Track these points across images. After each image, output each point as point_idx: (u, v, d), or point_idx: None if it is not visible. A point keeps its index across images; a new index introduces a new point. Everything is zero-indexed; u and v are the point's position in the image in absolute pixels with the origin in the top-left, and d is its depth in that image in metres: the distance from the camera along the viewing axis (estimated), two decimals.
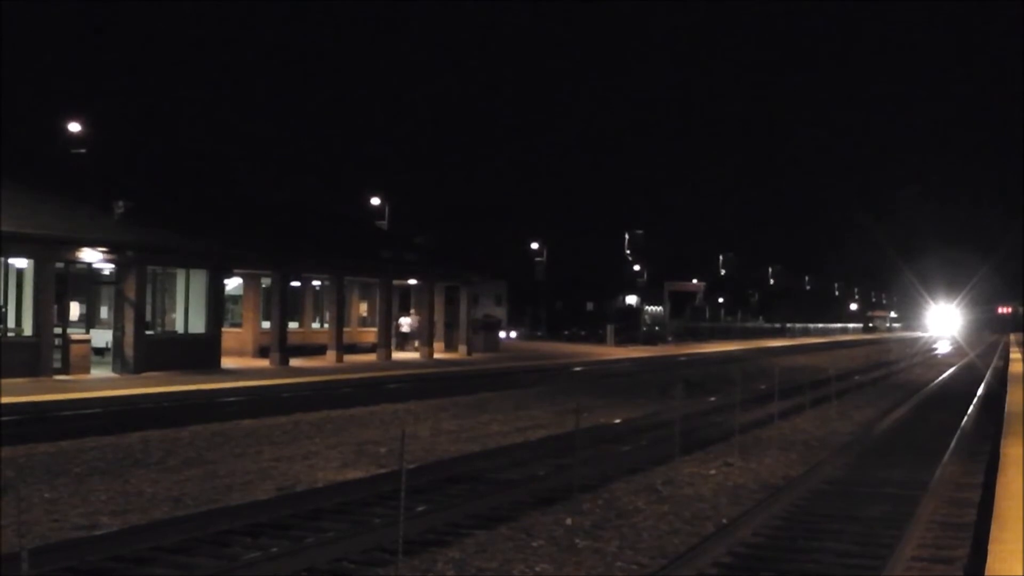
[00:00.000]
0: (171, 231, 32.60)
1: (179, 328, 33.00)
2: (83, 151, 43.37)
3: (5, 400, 20.63)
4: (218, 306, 34.14)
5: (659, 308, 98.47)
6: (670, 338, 79.50)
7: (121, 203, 30.59)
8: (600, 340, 69.01)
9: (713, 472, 15.29)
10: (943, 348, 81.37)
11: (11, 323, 28.22)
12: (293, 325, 40.80)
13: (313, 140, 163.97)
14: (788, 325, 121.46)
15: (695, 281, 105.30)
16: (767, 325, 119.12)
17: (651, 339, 74.32)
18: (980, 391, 30.46)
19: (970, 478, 14.82)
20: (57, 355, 28.05)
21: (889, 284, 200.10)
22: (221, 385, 26.87)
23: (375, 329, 42.65)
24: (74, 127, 43.75)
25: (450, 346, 47.11)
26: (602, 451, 16.77)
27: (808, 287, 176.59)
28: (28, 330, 27.93)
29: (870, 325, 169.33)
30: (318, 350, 39.88)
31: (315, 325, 44.07)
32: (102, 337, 31.27)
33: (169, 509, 11.88)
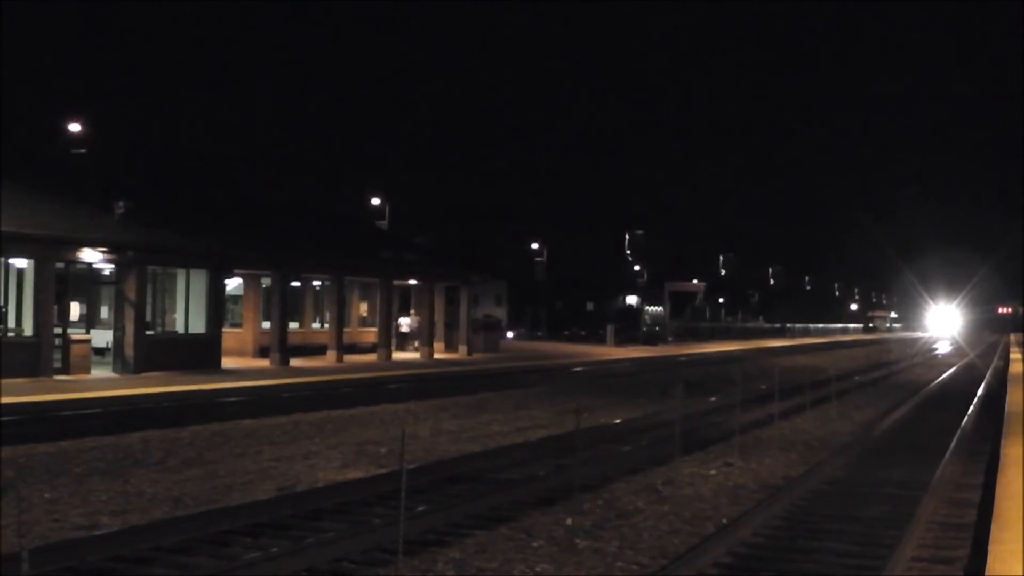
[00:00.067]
0: (171, 231, 32.61)
1: (179, 328, 32.99)
2: (83, 151, 43.41)
3: (5, 400, 20.63)
4: (218, 306, 34.13)
5: (659, 308, 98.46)
6: (670, 338, 79.50)
7: (121, 203, 30.59)
8: (600, 340, 69.01)
9: (713, 472, 15.29)
10: (943, 348, 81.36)
11: (11, 323, 28.22)
12: (293, 325, 40.79)
13: (313, 140, 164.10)
14: (788, 325, 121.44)
15: (695, 281, 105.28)
16: (767, 325, 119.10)
17: (651, 339, 74.31)
18: (980, 391, 30.46)
19: (970, 478, 14.82)
20: (57, 355, 28.05)
21: (889, 284, 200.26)
22: (221, 385, 26.87)
23: (375, 329, 42.64)
24: (74, 127, 43.81)
25: (450, 346, 47.11)
26: (602, 451, 16.77)
27: (808, 287, 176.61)
28: (28, 330, 27.93)
29: (870, 325, 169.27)
30: (318, 350, 39.88)
31: (315, 325, 44.07)
32: (102, 337, 31.27)
33: (169, 509, 11.88)
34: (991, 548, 8.98)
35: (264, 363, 35.61)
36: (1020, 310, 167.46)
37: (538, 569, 9.63)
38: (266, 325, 38.93)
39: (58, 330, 28.59)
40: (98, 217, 30.33)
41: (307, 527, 10.91)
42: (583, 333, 76.84)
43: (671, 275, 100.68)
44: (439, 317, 47.26)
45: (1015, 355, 56.14)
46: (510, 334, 61.10)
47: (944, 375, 42.63)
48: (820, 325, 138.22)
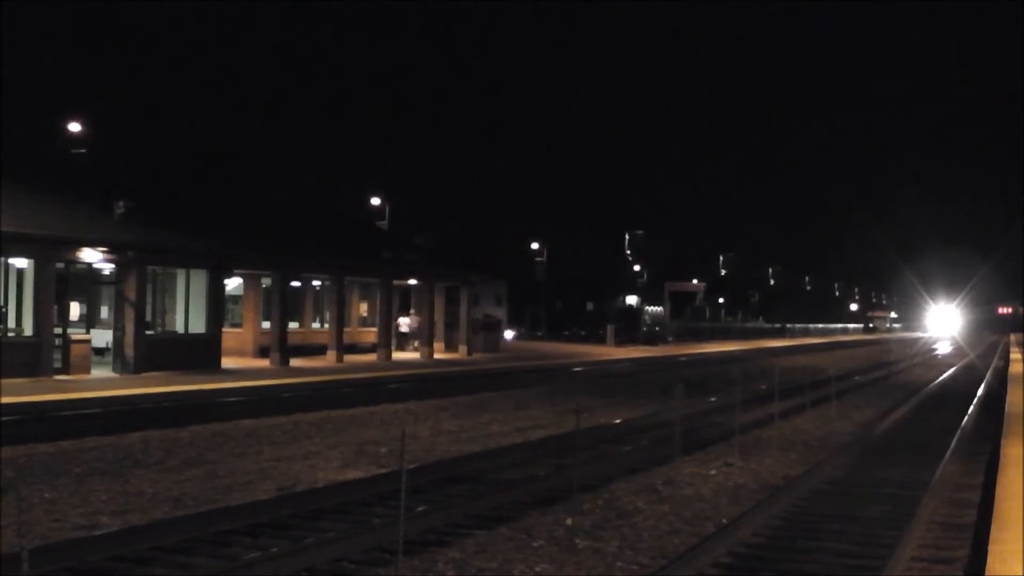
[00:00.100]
0: (171, 231, 32.61)
1: (179, 328, 32.99)
2: (83, 151, 43.38)
3: (5, 400, 20.63)
4: (218, 306, 34.13)
5: (659, 308, 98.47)
6: (670, 338, 79.49)
7: (121, 203, 30.60)
8: (600, 340, 69.00)
9: (713, 472, 15.29)
10: (943, 348, 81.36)
11: (11, 323, 28.22)
12: (293, 325, 40.80)
13: (313, 140, 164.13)
14: (788, 325, 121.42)
15: (695, 281, 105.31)
16: (767, 325, 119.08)
17: (651, 339, 74.31)
18: (980, 391, 30.45)
19: (970, 478, 14.82)
20: (57, 355, 28.05)
21: (889, 284, 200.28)
22: (221, 385, 26.87)
23: (375, 329, 42.65)
24: (74, 127, 43.78)
25: (450, 346, 47.11)
26: (602, 451, 16.77)
27: (808, 287, 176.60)
28: (28, 330, 27.93)
29: (870, 325, 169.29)
30: (318, 350, 39.88)
31: (315, 325, 44.07)
32: (102, 337, 31.27)
33: (169, 509, 11.88)
34: (991, 548, 8.98)
35: (264, 363, 35.61)
36: (1020, 310, 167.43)
37: (538, 569, 9.63)
38: (266, 325, 38.93)
39: (58, 330, 28.59)
40: (98, 217, 30.33)
41: (307, 527, 10.91)
42: (583, 333, 76.83)
43: (671, 275, 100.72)
44: (439, 317, 47.26)
45: (1015, 355, 56.14)
46: (508, 334, 61.08)
47: (944, 375, 42.63)
48: (820, 325, 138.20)
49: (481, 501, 12.27)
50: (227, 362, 33.70)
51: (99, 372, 29.25)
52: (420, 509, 11.37)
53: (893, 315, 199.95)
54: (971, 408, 24.38)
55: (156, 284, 32.79)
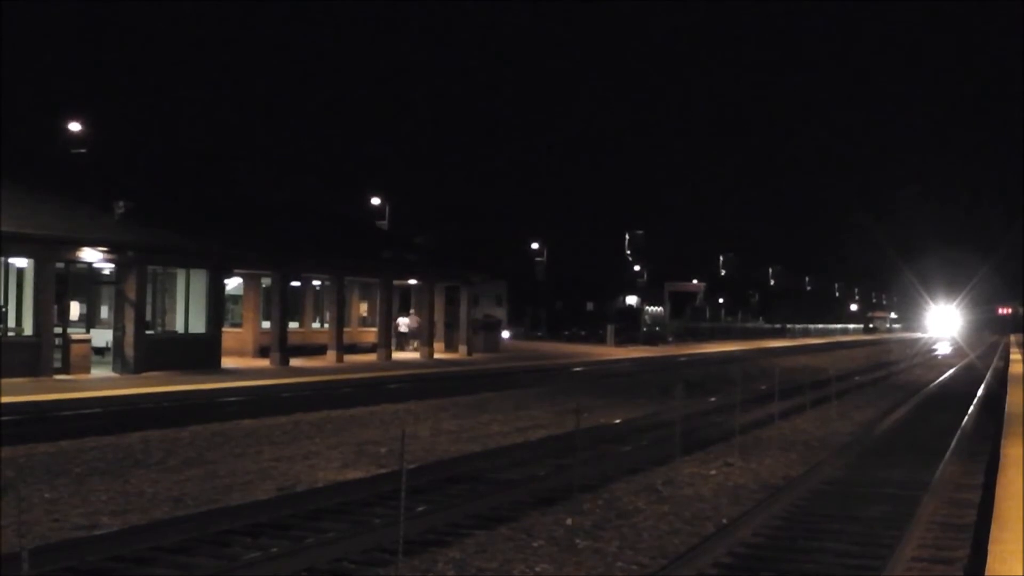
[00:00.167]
0: (171, 231, 32.62)
1: (179, 328, 32.99)
2: (83, 151, 43.38)
3: (5, 400, 20.63)
4: (218, 306, 34.14)
5: (659, 308, 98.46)
6: (670, 338, 79.48)
7: (121, 203, 30.61)
8: (600, 340, 69.00)
9: (713, 472, 15.29)
10: (943, 349, 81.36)
11: (11, 323, 28.23)
12: (293, 325, 40.81)
13: (313, 140, 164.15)
14: (788, 326, 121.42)
15: (695, 281, 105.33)
16: (767, 326, 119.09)
17: (651, 339, 74.30)
18: (980, 392, 30.45)
19: (970, 479, 14.82)
20: (57, 355, 28.06)
21: (889, 284, 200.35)
22: (221, 385, 26.87)
23: (375, 329, 42.66)
24: (74, 127, 43.79)
25: (450, 346, 47.11)
26: (602, 451, 16.76)
27: (808, 287, 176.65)
28: (28, 330, 27.94)
29: (870, 326, 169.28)
30: (318, 350, 39.88)
31: (315, 325, 44.08)
32: (102, 337, 31.27)
33: (169, 509, 11.88)
34: (991, 548, 8.98)
35: (264, 363, 35.61)
36: (1020, 310, 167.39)
37: (538, 569, 9.63)
38: (266, 325, 38.94)
39: (58, 330, 28.59)
40: (98, 217, 30.34)
41: (307, 527, 10.91)
42: (583, 333, 76.82)
43: (671, 275, 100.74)
44: (439, 317, 47.27)
45: (1015, 356, 56.14)
46: (504, 334, 61.00)
47: (944, 375, 42.63)
48: (820, 325, 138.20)
49: (481, 501, 12.27)
50: (227, 362, 33.70)
51: (99, 372, 29.26)
52: (420, 509, 11.37)
53: (893, 315, 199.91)
54: (971, 408, 24.37)
55: (156, 284, 32.79)
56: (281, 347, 35.69)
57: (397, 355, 42.50)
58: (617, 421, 21.56)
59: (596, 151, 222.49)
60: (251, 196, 52.96)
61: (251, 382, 28.04)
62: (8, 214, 26.36)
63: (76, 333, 29.62)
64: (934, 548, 10.71)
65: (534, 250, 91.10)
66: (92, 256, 29.23)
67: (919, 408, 26.72)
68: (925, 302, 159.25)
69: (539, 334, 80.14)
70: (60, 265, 28.69)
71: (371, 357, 40.97)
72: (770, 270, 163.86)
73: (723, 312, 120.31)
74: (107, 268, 31.13)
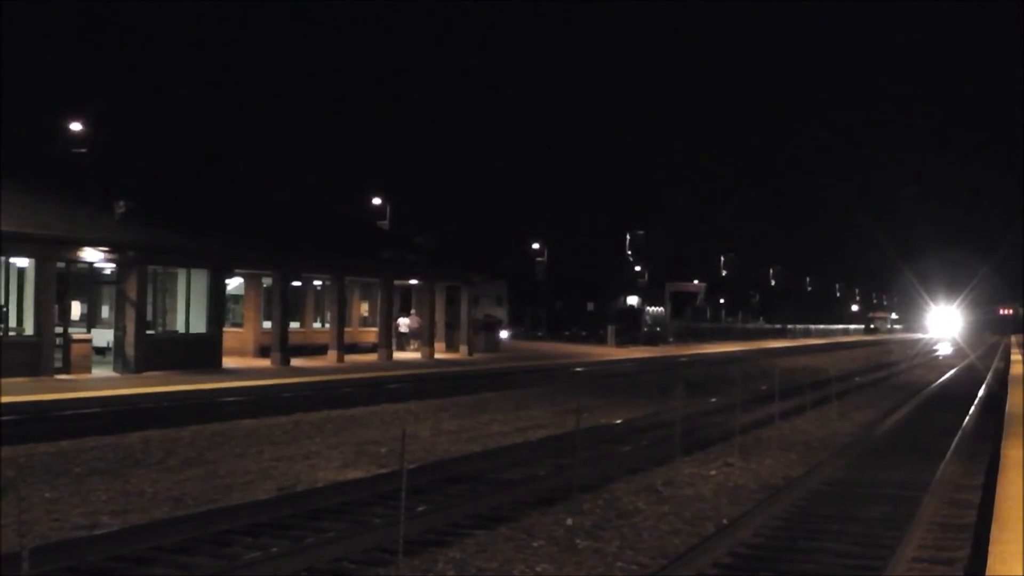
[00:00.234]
0: (172, 231, 32.62)
1: (180, 328, 33.00)
2: (83, 151, 43.37)
3: (6, 400, 20.63)
4: (219, 306, 34.15)
5: (660, 309, 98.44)
6: (671, 339, 79.47)
7: (121, 203, 30.62)
8: (601, 340, 68.98)
9: (713, 472, 15.29)
10: (944, 349, 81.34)
11: (12, 322, 28.23)
12: (294, 325, 40.81)
13: (313, 140, 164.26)
14: (789, 326, 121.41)
15: (696, 282, 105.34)
16: (768, 326, 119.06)
17: (652, 340, 74.30)
18: (981, 392, 30.43)
19: (970, 479, 14.81)
20: (58, 354, 28.06)
21: (889, 285, 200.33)
22: (222, 385, 26.88)
23: (376, 329, 42.66)
24: (74, 127, 43.77)
25: (451, 346, 47.11)
26: (602, 451, 16.76)
27: (809, 288, 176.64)
28: (29, 329, 27.94)
29: (871, 326, 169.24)
30: (319, 350, 39.89)
31: (316, 325, 44.08)
32: (103, 337, 31.28)
33: (169, 509, 11.88)
34: (991, 549, 8.98)
35: (265, 363, 35.62)
36: (1021, 311, 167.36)
37: (538, 569, 9.63)
38: (267, 325, 38.94)
39: (59, 329, 28.60)
40: (98, 217, 30.34)
41: (307, 527, 10.91)
42: (584, 333, 76.81)
43: (671, 275, 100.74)
44: (440, 317, 47.28)
45: (1016, 356, 56.12)
46: (504, 334, 60.98)
47: (945, 376, 42.61)
48: (821, 326, 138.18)
49: (481, 501, 12.27)
50: (228, 362, 33.71)
51: (100, 371, 29.26)
52: (420, 509, 11.37)
53: (894, 316, 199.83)
54: (971, 409, 24.37)
55: (157, 284, 32.79)
56: (282, 347, 35.69)
57: (398, 355, 42.50)
58: (617, 421, 21.56)
59: (596, 151, 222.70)
60: (251, 196, 52.93)
61: (252, 382, 28.04)
62: (8, 214, 26.36)
63: (77, 333, 29.63)
64: (934, 549, 10.71)
65: (534, 250, 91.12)
66: (93, 256, 29.24)
67: (919, 409, 26.71)
68: (925, 302, 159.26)
69: (539, 334, 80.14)
70: (61, 265, 28.70)
71: (372, 357, 40.97)
72: (770, 270, 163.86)
73: (724, 312, 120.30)
74: (108, 268, 31.13)
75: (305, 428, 19.35)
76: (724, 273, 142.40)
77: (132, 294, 30.15)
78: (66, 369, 28.02)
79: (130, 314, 30.04)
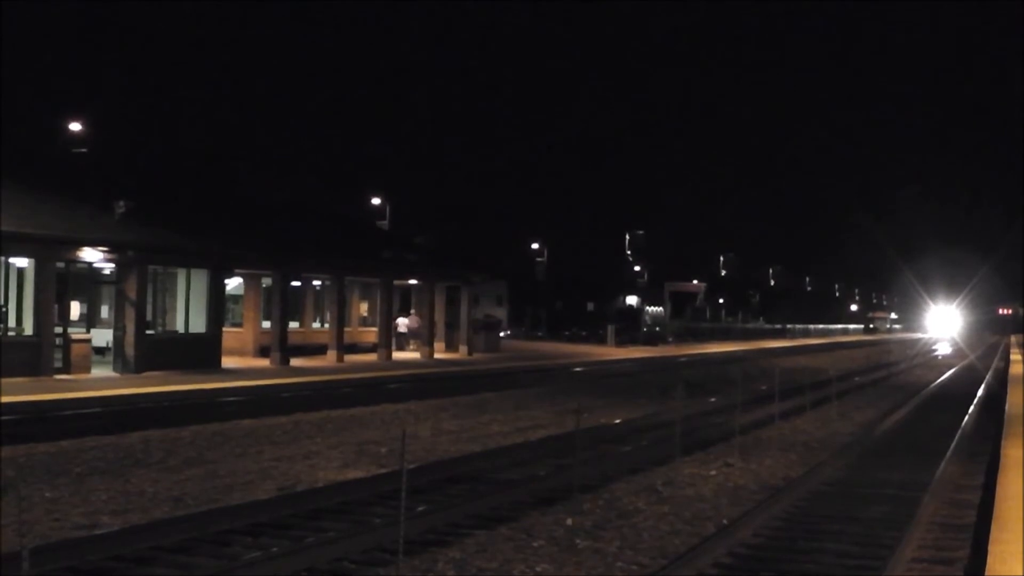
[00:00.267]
0: (171, 231, 32.61)
1: (180, 328, 33.00)
2: (83, 151, 43.36)
3: (6, 400, 20.63)
4: (219, 306, 34.14)
5: (660, 308, 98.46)
6: (671, 339, 79.46)
7: (121, 203, 30.60)
8: (600, 340, 68.98)
9: (713, 473, 15.29)
10: (943, 349, 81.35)
11: (12, 322, 28.22)
12: (294, 325, 40.80)
13: (313, 140, 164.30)
14: (789, 326, 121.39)
15: (696, 282, 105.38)
16: (768, 326, 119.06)
17: (652, 339, 74.28)
18: (980, 392, 30.45)
19: (970, 479, 14.82)
20: (58, 354, 28.05)
21: (889, 285, 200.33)
22: (222, 385, 26.87)
23: (376, 329, 42.65)
24: (74, 127, 43.77)
25: (451, 346, 47.11)
26: (602, 451, 16.77)
27: (808, 288, 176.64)
28: (29, 329, 27.93)
29: (871, 326, 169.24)
30: (319, 350, 39.88)
31: (316, 325, 44.07)
32: (103, 336, 31.27)
33: (170, 509, 11.89)
34: (991, 549, 8.98)
35: (264, 363, 35.62)
36: (1021, 311, 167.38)
37: (538, 569, 9.63)
38: (266, 325, 38.94)
39: (59, 329, 28.59)
40: (98, 217, 30.33)
41: (307, 527, 10.91)
42: (583, 333, 76.82)
43: (671, 275, 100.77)
44: (440, 317, 47.27)
45: (1015, 356, 56.13)
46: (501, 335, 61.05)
47: (944, 376, 42.63)
48: (820, 326, 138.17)
49: (481, 501, 12.27)
50: (227, 362, 33.71)
51: (99, 371, 29.26)
52: (420, 509, 11.37)
53: (893, 316, 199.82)
54: (971, 409, 24.38)
55: (156, 284, 32.79)
56: (281, 347, 35.69)
57: (397, 355, 42.50)
58: (617, 421, 21.56)
59: (596, 151, 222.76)
60: (251, 196, 52.97)
61: (251, 382, 28.04)
62: (8, 214, 26.36)
63: (76, 333, 29.62)
64: (934, 549, 10.72)
65: (534, 250, 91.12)
66: (92, 256, 29.23)
67: (919, 409, 26.72)
68: (925, 302, 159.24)
69: (539, 334, 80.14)
70: (60, 265, 28.69)
71: (371, 357, 40.97)
72: (770, 270, 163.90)
73: (723, 312, 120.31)
74: (107, 268, 31.12)
75: (305, 428, 19.35)
76: (724, 273, 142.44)
77: (132, 294, 30.14)
78: (66, 369, 28.01)
79: (130, 314, 30.03)
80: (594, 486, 13.69)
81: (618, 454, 16.66)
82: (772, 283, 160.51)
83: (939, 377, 41.67)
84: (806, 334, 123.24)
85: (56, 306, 28.37)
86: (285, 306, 36.90)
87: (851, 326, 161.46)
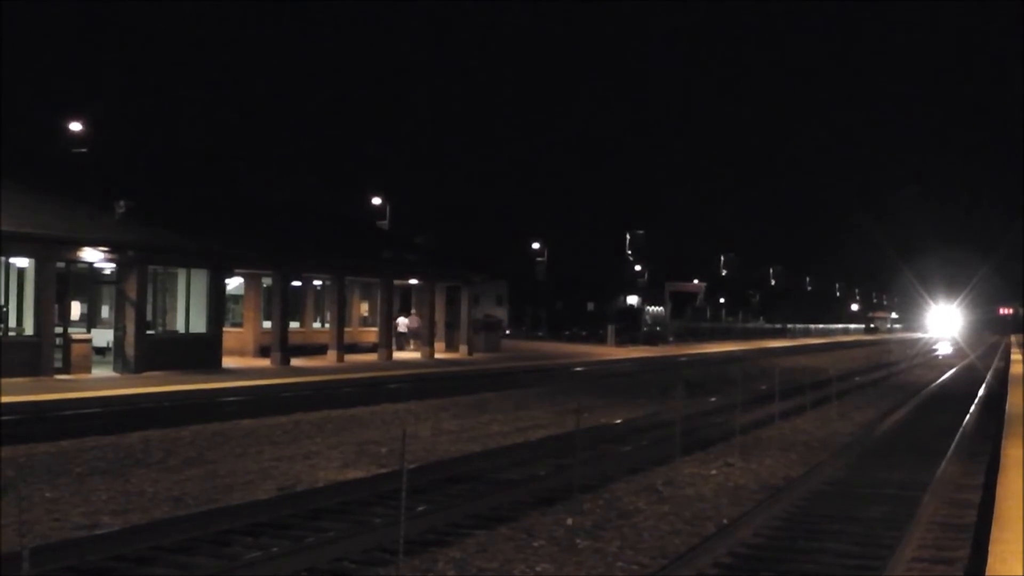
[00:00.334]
0: (172, 231, 32.62)
1: (180, 328, 33.00)
2: (83, 151, 43.35)
3: (6, 400, 20.63)
4: (219, 306, 34.14)
5: (660, 308, 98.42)
6: (671, 338, 79.45)
7: (122, 203, 30.62)
8: (601, 340, 68.98)
9: (714, 472, 15.29)
10: (944, 349, 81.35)
11: (12, 322, 28.23)
12: (294, 325, 40.80)
13: (313, 140, 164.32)
14: (789, 326, 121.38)
15: (696, 281, 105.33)
16: (768, 326, 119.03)
17: (652, 339, 74.26)
18: (981, 392, 30.45)
19: (970, 479, 14.82)
20: (58, 354, 28.06)
21: (889, 284, 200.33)
22: (222, 385, 26.88)
23: (376, 329, 42.66)
24: (74, 127, 43.75)
25: (451, 346, 47.11)
26: (603, 451, 16.77)
27: (809, 288, 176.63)
28: (29, 329, 27.94)
29: (871, 326, 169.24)
30: (319, 350, 39.89)
31: (316, 325, 44.07)
32: (103, 337, 31.28)
33: (170, 509, 11.89)
34: (991, 548, 8.98)
35: (265, 363, 35.62)
36: (1021, 311, 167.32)
37: (538, 569, 9.63)
38: (267, 325, 38.94)
39: (59, 329, 28.60)
40: (98, 217, 30.34)
41: (307, 527, 10.91)
42: (584, 333, 76.81)
43: (671, 275, 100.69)
44: (440, 317, 47.27)
45: (1016, 356, 56.13)
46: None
47: (944, 376, 42.62)
48: (821, 326, 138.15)
49: (481, 501, 12.27)
50: (228, 362, 33.71)
51: (100, 371, 29.26)
52: (421, 509, 11.37)
53: (894, 315, 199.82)
54: (971, 409, 24.38)
55: (157, 284, 32.79)
56: (282, 347, 35.69)
57: (398, 355, 42.50)
58: (617, 421, 21.56)
59: (596, 151, 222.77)
60: (251, 196, 52.96)
61: (252, 382, 28.04)
62: (8, 214, 26.36)
63: (77, 333, 29.63)
64: (934, 548, 10.71)
65: (534, 250, 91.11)
66: (93, 256, 29.23)
67: (919, 409, 26.71)
68: (925, 302, 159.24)
69: (539, 334, 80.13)
70: (61, 265, 28.70)
71: (372, 357, 40.97)
72: (770, 270, 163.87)
73: (724, 312, 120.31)
74: (108, 268, 31.13)
75: (305, 428, 19.35)
76: (724, 273, 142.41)
77: (132, 294, 30.14)
78: (66, 369, 28.02)
79: (130, 314, 30.04)
80: (594, 486, 13.69)
81: (618, 454, 16.66)
82: (772, 283, 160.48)
83: (939, 377, 41.67)
84: (806, 334, 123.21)
85: (56, 306, 28.38)
86: (285, 306, 36.90)
87: (851, 326, 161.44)
